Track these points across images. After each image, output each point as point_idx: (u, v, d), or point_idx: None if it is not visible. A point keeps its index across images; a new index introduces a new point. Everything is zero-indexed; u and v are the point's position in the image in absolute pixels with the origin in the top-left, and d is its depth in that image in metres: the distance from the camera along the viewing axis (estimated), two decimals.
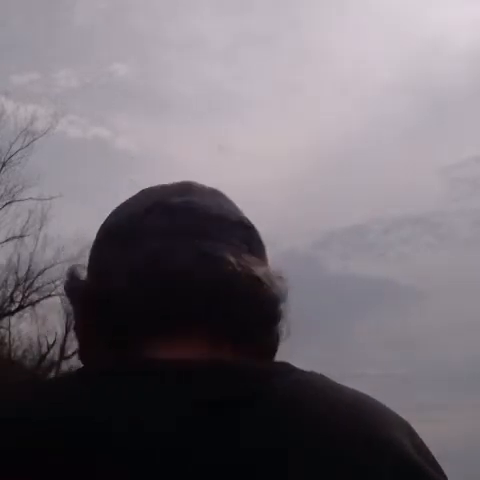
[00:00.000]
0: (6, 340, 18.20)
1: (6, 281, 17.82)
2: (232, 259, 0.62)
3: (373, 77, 29.86)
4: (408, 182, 25.76)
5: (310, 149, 26.20)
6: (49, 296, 18.19)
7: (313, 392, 0.57)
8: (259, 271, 0.64)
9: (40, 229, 18.38)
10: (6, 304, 17.74)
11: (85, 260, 0.70)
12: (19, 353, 18.87)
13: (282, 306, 0.65)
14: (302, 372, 0.60)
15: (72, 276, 0.67)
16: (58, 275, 18.19)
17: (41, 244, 18.42)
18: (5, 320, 17.88)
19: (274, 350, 0.67)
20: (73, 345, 19.62)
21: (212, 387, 0.56)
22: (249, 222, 0.70)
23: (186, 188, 0.70)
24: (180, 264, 0.61)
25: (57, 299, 18.39)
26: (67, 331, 18.80)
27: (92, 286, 0.65)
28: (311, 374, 0.61)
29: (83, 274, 0.68)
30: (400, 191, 26.03)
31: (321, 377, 0.60)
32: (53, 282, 18.02)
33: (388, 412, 0.60)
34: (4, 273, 17.90)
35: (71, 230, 21.22)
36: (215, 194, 0.71)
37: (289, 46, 28.86)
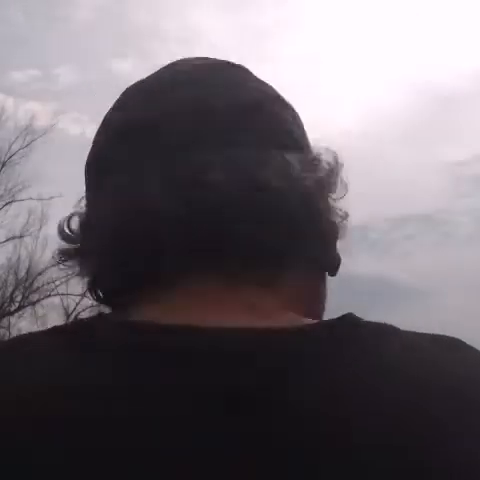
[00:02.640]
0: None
1: (6, 281, 17.83)
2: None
3: (374, 74, 29.88)
4: (411, 180, 25.76)
5: None
6: (49, 296, 18.19)
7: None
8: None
9: (40, 229, 18.40)
10: (6, 304, 17.73)
11: None
12: None
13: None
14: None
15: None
16: (58, 275, 18.21)
17: (41, 244, 18.44)
18: (5, 320, 17.87)
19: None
20: None
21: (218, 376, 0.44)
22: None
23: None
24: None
25: (57, 299, 18.42)
26: None
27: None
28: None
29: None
30: (403, 189, 26.03)
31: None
32: (53, 282, 18.02)
33: None
34: (4, 273, 17.92)
35: None
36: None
37: (290, 45, 28.88)
